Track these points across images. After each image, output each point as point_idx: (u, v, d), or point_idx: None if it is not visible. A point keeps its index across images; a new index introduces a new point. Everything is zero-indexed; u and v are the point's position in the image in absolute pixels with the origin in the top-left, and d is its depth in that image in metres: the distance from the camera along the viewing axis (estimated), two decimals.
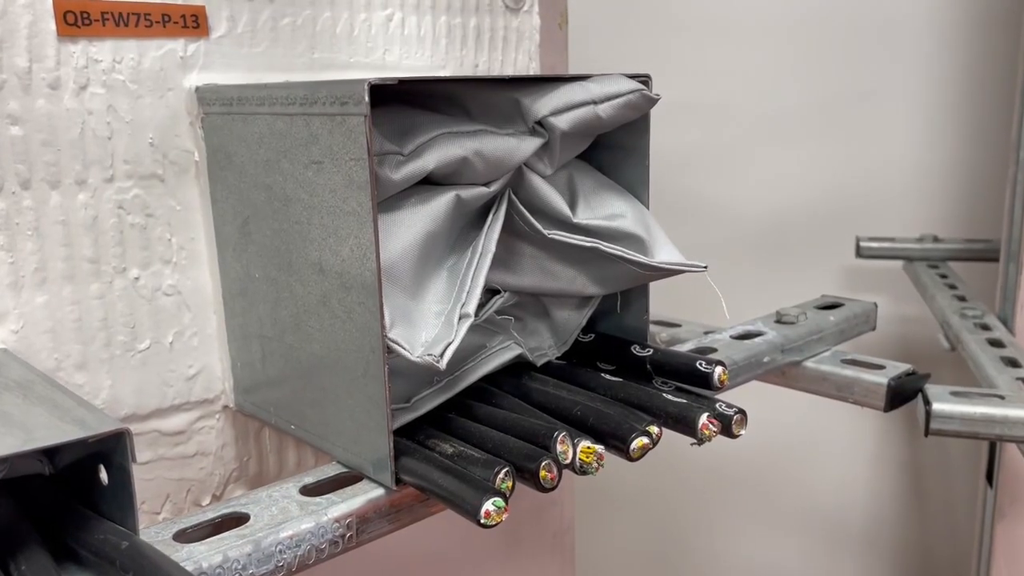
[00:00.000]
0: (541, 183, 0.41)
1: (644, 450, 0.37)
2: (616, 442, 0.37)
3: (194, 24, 0.43)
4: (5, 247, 0.39)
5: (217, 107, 0.41)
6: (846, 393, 0.57)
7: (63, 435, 0.28)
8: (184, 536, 0.33)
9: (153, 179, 0.42)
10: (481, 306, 0.42)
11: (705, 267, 0.43)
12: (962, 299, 0.86)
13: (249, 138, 0.40)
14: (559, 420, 0.39)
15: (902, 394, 0.55)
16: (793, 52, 1.08)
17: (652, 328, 0.67)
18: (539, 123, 0.39)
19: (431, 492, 0.35)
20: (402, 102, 0.40)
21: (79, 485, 0.33)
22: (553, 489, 0.35)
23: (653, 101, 0.41)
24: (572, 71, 0.40)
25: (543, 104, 0.39)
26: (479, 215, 0.40)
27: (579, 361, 0.47)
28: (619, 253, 0.41)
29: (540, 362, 0.46)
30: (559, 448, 0.36)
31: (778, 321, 0.60)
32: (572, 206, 0.42)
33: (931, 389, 0.56)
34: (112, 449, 0.30)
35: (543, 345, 0.46)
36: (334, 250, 0.36)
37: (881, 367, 0.57)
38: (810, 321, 0.60)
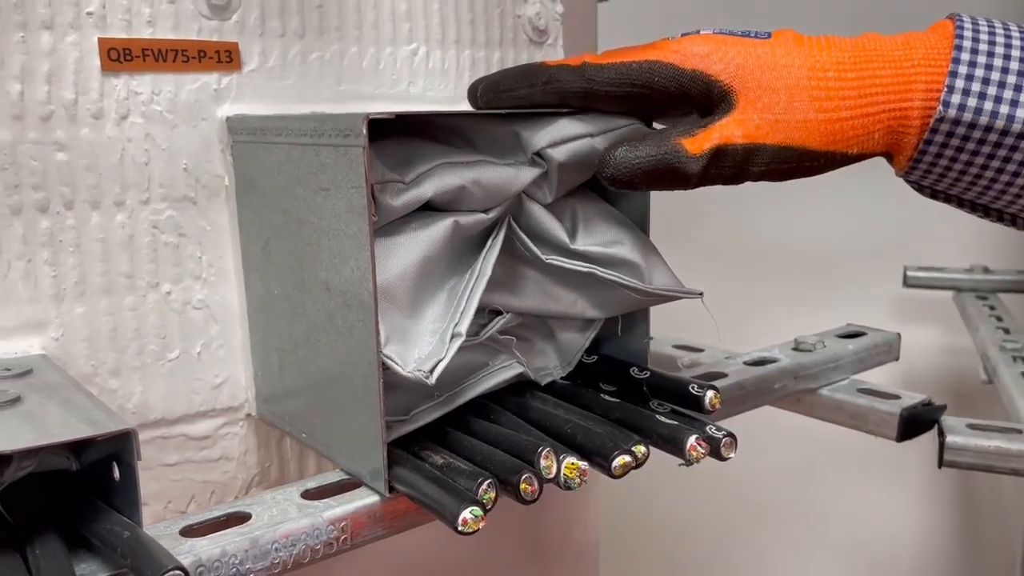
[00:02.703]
0: (540, 211, 0.43)
1: (626, 468, 0.39)
2: (600, 459, 0.39)
3: (227, 59, 0.46)
4: (49, 261, 0.42)
5: (244, 136, 0.45)
6: (860, 422, 0.57)
7: (74, 433, 0.31)
8: (191, 531, 0.36)
9: (186, 202, 0.46)
10: (483, 327, 0.44)
11: (701, 293, 0.44)
12: (1006, 331, 0.85)
13: (270, 165, 0.43)
14: (551, 437, 0.41)
15: (916, 424, 0.56)
16: None
17: (675, 352, 0.68)
18: (538, 154, 0.41)
19: (417, 500, 0.37)
20: (409, 133, 0.42)
21: (100, 481, 0.36)
22: (534, 502, 0.37)
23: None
24: None
25: (541, 137, 0.41)
26: (481, 239, 0.42)
27: (583, 382, 0.48)
28: (614, 278, 0.43)
29: (544, 381, 0.48)
30: (543, 463, 0.38)
31: (795, 348, 0.60)
32: (573, 233, 0.44)
33: (948, 421, 0.56)
34: (123, 448, 0.33)
35: (549, 365, 0.48)
36: (338, 270, 0.39)
37: (896, 397, 0.57)
38: (828, 349, 0.60)
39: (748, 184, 0.41)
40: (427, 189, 0.39)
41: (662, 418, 0.43)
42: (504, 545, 0.71)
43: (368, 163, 0.35)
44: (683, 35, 0.42)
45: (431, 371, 0.37)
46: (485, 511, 0.35)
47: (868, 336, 0.63)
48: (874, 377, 0.61)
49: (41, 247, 0.42)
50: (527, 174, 0.41)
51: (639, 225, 0.46)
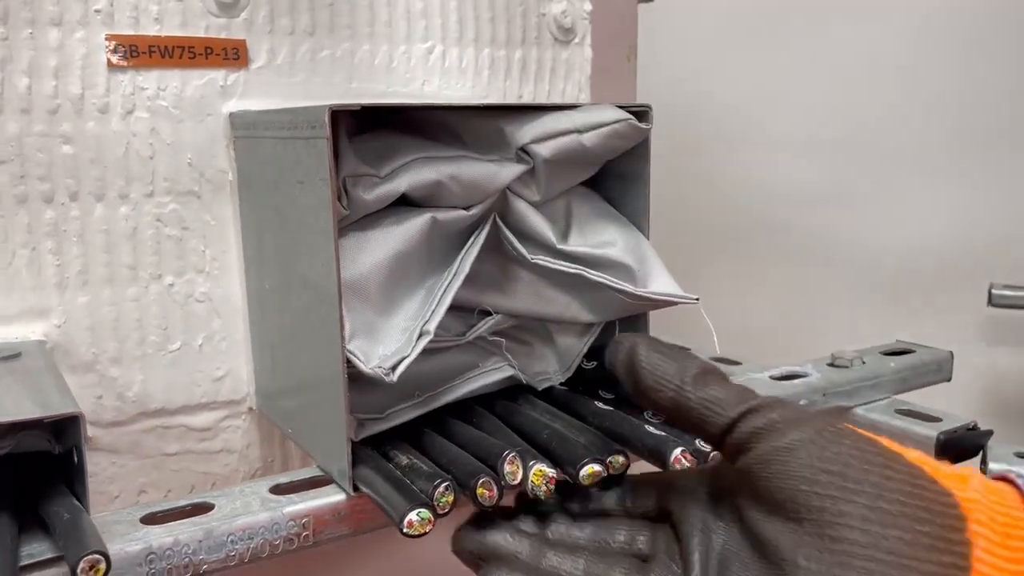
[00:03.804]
0: (527, 209, 0.41)
1: (595, 478, 0.37)
2: (569, 468, 0.37)
3: (235, 56, 0.47)
4: (53, 251, 0.44)
5: (242, 131, 0.45)
6: None
7: (24, 414, 0.32)
8: (152, 519, 0.36)
9: (190, 195, 0.47)
10: (473, 327, 0.43)
11: (696, 299, 0.42)
12: None
13: (261, 159, 0.43)
14: (528, 443, 0.39)
15: (956, 450, 0.51)
16: (930, 84, 1.02)
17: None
18: (523, 150, 0.40)
19: (372, 499, 0.36)
20: (397, 129, 0.42)
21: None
22: (492, 507, 0.35)
23: (643, 131, 0.41)
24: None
25: (525, 132, 0.40)
26: (465, 238, 0.41)
27: (584, 388, 0.47)
28: (602, 280, 0.41)
29: (542, 386, 0.46)
30: (507, 468, 0.36)
31: (831, 364, 0.57)
32: (565, 233, 0.43)
33: (995, 447, 0.51)
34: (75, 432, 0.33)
35: (548, 370, 0.47)
36: (311, 264, 0.38)
37: (937, 419, 0.53)
38: (866, 366, 0.56)
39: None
40: (401, 183, 0.38)
41: (651, 428, 0.41)
42: None
43: (331, 154, 0.35)
44: None
45: (393, 369, 0.36)
46: (437, 514, 0.34)
47: (915, 354, 0.59)
48: (954, 404, 0.56)
49: (45, 236, 0.44)
50: (510, 170, 0.40)
51: (638, 226, 0.44)
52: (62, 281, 0.44)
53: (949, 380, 0.60)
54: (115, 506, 0.47)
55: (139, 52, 0.45)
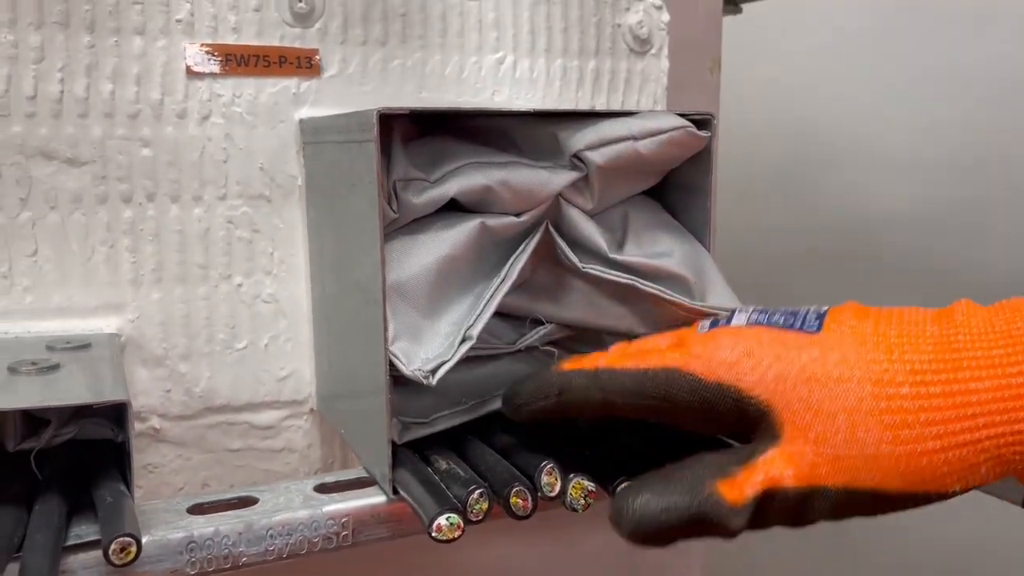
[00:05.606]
0: (580, 217, 0.41)
1: None
2: (604, 483, 0.36)
3: (307, 65, 0.48)
4: (129, 248, 0.46)
5: (309, 137, 0.46)
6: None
7: (75, 399, 0.33)
8: (198, 509, 0.37)
9: (261, 199, 0.48)
10: (524, 336, 0.43)
11: None
12: None
13: (323, 164, 0.44)
14: (574, 456, 0.39)
15: None
16: None
17: None
18: (576, 157, 0.40)
19: (407, 502, 0.36)
20: (454, 136, 0.42)
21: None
22: (526, 517, 0.35)
23: (702, 140, 0.40)
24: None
25: (579, 139, 0.39)
26: (518, 245, 0.41)
27: None
28: (655, 291, 0.40)
29: None
30: (544, 479, 0.36)
31: None
32: (622, 243, 0.42)
33: None
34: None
35: None
36: (362, 267, 0.39)
37: None
38: None
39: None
40: (450, 188, 0.38)
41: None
42: None
43: (379, 157, 0.35)
44: (712, 325, 0.34)
45: (432, 372, 0.36)
46: (469, 520, 0.34)
47: None
48: None
49: (123, 235, 0.46)
50: (562, 177, 0.39)
51: (698, 237, 0.43)
52: (137, 278, 0.46)
53: None
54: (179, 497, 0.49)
55: (216, 60, 0.46)
